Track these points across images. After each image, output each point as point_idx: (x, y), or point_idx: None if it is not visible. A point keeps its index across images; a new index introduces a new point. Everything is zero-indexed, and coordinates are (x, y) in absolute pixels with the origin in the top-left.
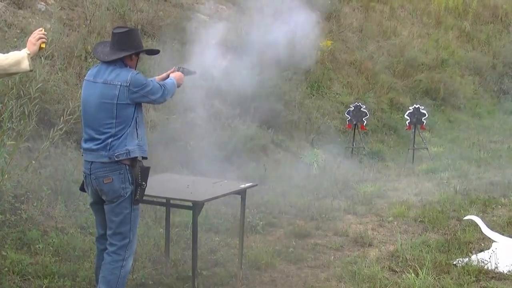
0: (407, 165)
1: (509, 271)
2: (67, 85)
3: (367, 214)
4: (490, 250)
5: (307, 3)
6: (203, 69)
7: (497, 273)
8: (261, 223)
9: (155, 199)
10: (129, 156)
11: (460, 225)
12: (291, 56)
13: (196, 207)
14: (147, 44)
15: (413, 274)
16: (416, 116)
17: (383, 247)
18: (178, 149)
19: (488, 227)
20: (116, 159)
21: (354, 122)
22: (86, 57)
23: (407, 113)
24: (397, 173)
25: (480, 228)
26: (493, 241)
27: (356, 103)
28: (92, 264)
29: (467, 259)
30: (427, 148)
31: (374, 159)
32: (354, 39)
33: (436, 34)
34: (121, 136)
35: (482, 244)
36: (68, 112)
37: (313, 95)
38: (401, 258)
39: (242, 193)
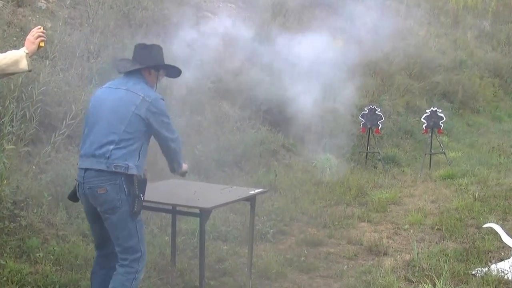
0: (423, 171)
1: None
2: (69, 86)
3: (382, 221)
4: (510, 260)
5: None
6: (211, 70)
7: None
8: (271, 231)
9: (160, 206)
10: (127, 172)
11: (479, 233)
12: None
13: (203, 214)
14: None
15: (430, 285)
16: (433, 119)
17: (398, 256)
18: (185, 153)
19: (509, 235)
20: (114, 169)
21: (369, 126)
22: (88, 57)
23: (423, 116)
24: (413, 179)
25: (500, 236)
26: None
27: (371, 106)
28: None
29: (486, 268)
30: (444, 153)
31: (389, 164)
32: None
33: (454, 34)
34: (123, 148)
35: (502, 253)
36: (70, 116)
37: (326, 97)
38: (417, 268)
39: (251, 199)
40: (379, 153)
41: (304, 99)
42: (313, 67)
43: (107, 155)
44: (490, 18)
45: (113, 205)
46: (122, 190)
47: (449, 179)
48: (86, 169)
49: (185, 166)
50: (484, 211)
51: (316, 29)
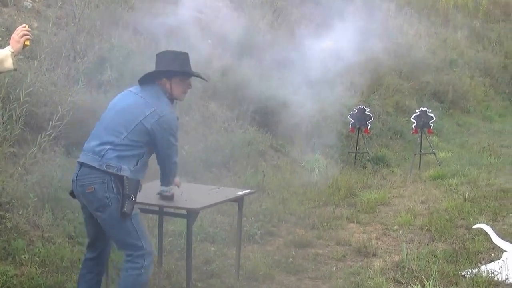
0: (413, 171)
1: None
2: (55, 87)
3: (371, 222)
4: (500, 261)
5: None
6: (199, 70)
7: (508, 284)
8: (259, 232)
9: (147, 207)
10: (118, 173)
11: (469, 234)
12: None
13: (190, 215)
14: (139, 44)
15: (419, 286)
16: (423, 119)
17: (387, 257)
18: None
19: (499, 236)
20: (105, 168)
21: (358, 126)
22: (75, 57)
23: (413, 116)
24: (402, 180)
25: (490, 237)
26: (504, 251)
27: (360, 105)
28: None
29: (476, 270)
30: (434, 153)
31: (378, 164)
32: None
33: (444, 34)
34: (119, 151)
35: (492, 254)
36: (57, 117)
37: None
38: (406, 269)
39: (239, 200)
40: (368, 153)
41: (293, 99)
42: (302, 67)
43: (102, 153)
44: (481, 17)
45: (101, 203)
46: (110, 189)
47: (439, 180)
48: (81, 164)
49: (176, 181)
50: (474, 211)
51: (305, 28)
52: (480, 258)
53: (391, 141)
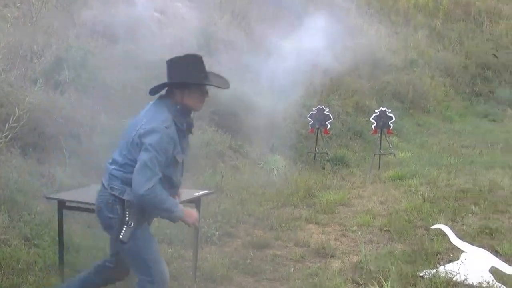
0: (373, 172)
1: (478, 283)
2: (11, 87)
3: (330, 223)
4: (459, 261)
5: None
6: (157, 70)
7: (466, 285)
8: (217, 233)
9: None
10: (121, 196)
11: (428, 234)
12: None
13: None
14: (97, 44)
15: (377, 287)
16: (383, 119)
17: (346, 258)
18: None
19: (458, 237)
20: (110, 190)
21: (317, 126)
22: (32, 57)
23: (373, 116)
24: (362, 180)
25: (448, 237)
26: (462, 251)
27: (319, 106)
28: (36, 278)
29: (434, 270)
30: (394, 154)
31: (338, 165)
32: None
33: (405, 33)
34: (124, 172)
35: (451, 255)
36: (14, 118)
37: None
38: (365, 270)
39: (196, 201)
40: (327, 153)
41: (252, 99)
42: (262, 67)
43: (110, 173)
44: (442, 17)
45: (106, 224)
46: (115, 210)
47: (398, 180)
48: (102, 182)
49: (190, 214)
50: (433, 212)
51: (265, 28)
52: (438, 259)
53: (351, 141)
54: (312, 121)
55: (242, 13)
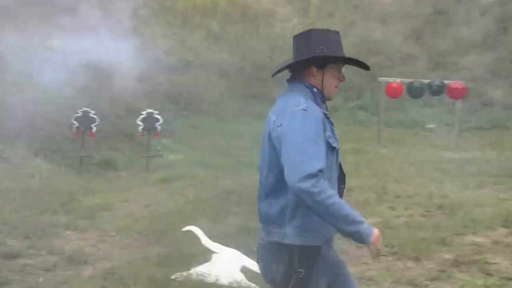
0: (141, 175)
1: (229, 283)
2: None
3: (89, 229)
4: (209, 262)
5: None
6: None
7: (219, 285)
8: None
9: None
10: (282, 241)
11: (186, 237)
12: None
13: None
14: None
15: None
16: (150, 121)
17: (98, 265)
18: None
19: (209, 238)
20: (268, 238)
21: (82, 129)
22: None
23: (140, 118)
24: (129, 183)
25: (200, 239)
26: (213, 252)
27: (85, 108)
28: None
29: (186, 273)
30: (161, 156)
31: (105, 168)
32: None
33: (182, 34)
34: (273, 204)
35: (208, 256)
36: None
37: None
38: (117, 276)
39: None
40: (93, 157)
41: (13, 101)
42: (24, 67)
43: (261, 212)
44: (219, 18)
45: (270, 278)
46: (280, 259)
47: (166, 183)
48: None
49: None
50: (195, 214)
51: (30, 26)
52: (192, 261)
53: (121, 143)
54: (78, 124)
55: (9, 12)
